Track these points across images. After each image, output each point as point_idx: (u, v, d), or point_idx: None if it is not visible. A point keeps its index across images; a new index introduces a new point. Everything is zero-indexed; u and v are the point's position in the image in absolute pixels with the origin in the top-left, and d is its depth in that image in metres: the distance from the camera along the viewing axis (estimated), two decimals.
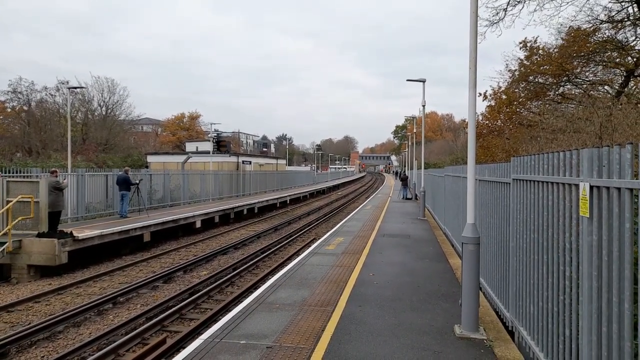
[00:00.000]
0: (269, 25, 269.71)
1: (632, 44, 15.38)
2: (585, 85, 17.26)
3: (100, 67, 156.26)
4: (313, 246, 11.75)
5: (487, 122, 20.86)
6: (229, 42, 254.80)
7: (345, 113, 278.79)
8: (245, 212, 24.04)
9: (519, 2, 15.28)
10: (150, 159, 42.00)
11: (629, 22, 14.99)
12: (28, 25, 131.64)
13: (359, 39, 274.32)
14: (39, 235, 11.58)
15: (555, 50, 17.59)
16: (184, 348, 5.60)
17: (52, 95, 37.24)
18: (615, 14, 15.16)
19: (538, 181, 4.38)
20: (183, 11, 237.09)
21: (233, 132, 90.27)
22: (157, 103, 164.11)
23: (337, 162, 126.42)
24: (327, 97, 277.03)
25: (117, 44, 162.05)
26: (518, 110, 19.67)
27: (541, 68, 17.71)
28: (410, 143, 49.45)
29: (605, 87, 17.23)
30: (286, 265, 9.79)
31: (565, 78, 17.53)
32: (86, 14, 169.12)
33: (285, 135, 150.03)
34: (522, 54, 18.92)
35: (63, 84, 36.29)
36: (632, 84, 16.10)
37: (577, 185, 3.43)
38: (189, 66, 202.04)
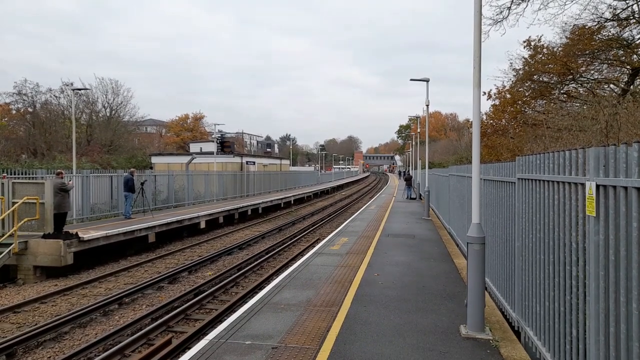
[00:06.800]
0: (261, 23, 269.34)
1: (637, 42, 15.29)
2: (590, 84, 17.17)
3: (95, 68, 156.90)
4: (317, 246, 11.76)
5: (491, 121, 20.79)
6: (223, 41, 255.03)
7: (348, 113, 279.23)
8: (249, 212, 24.07)
9: (522, 0, 15.23)
10: (154, 159, 42.10)
11: (634, 20, 14.91)
12: (19, 26, 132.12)
13: (352, 37, 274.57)
14: (45, 237, 11.63)
15: (560, 49, 17.51)
16: (189, 348, 5.60)
17: (56, 97, 37.41)
18: (620, 11, 15.09)
19: (544, 180, 4.36)
20: (173, 9, 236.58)
21: (237, 133, 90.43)
22: (155, 103, 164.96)
23: (340, 162, 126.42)
24: (328, 96, 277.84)
25: (110, 44, 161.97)
26: (523, 109, 19.60)
27: (546, 67, 17.64)
28: (414, 143, 49.39)
29: (611, 85, 17.15)
30: (291, 266, 9.79)
31: (570, 77, 17.46)
32: (77, 15, 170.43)
33: (289, 135, 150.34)
34: (526, 53, 18.87)
35: (67, 85, 36.42)
36: (637, 83, 16.00)
37: (583, 185, 3.42)
38: (185, 66, 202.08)
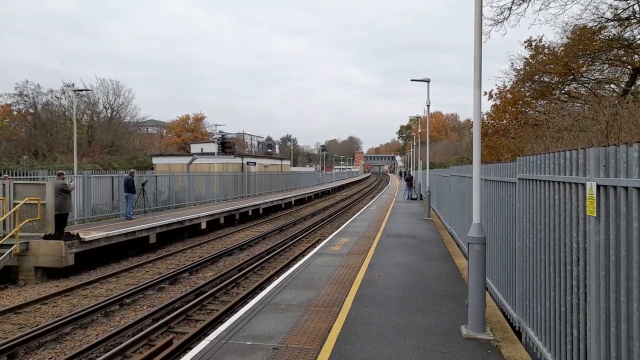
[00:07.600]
0: (261, 23, 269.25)
1: (638, 42, 15.28)
2: (591, 84, 17.15)
3: (95, 68, 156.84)
4: (318, 247, 11.75)
5: (492, 121, 20.76)
6: (223, 41, 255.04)
7: (348, 113, 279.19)
8: (250, 213, 24.08)
9: (523, 1, 15.22)
10: (155, 160, 42.14)
11: (635, 20, 14.89)
12: (19, 26, 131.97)
13: (352, 37, 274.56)
14: (46, 237, 11.65)
15: (561, 49, 17.49)
16: (190, 349, 5.62)
17: (57, 98, 37.48)
18: (621, 11, 15.07)
19: (544, 180, 4.36)
20: (173, 9, 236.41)
21: (237, 134, 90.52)
22: (155, 103, 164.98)
23: (341, 162, 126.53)
24: (328, 96, 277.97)
25: (110, 44, 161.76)
26: (523, 109, 19.58)
27: (547, 67, 17.62)
28: (414, 143, 49.37)
29: (612, 85, 17.13)
30: (292, 266, 9.80)
31: (571, 77, 17.44)
32: (77, 15, 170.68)
33: (290, 136, 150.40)
34: (527, 53, 18.84)
35: (68, 86, 36.50)
36: (638, 83, 15.98)
37: (584, 185, 3.42)
38: (185, 66, 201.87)
